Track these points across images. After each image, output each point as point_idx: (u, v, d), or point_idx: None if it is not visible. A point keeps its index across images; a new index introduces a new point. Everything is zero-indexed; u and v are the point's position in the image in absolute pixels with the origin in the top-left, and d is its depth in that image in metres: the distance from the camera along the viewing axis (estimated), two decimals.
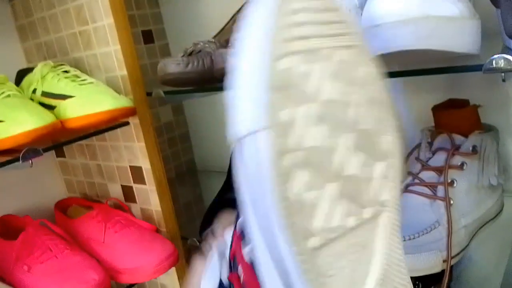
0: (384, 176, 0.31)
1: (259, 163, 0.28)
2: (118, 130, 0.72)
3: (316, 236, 0.28)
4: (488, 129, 0.62)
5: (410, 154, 0.66)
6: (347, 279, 0.28)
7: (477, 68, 0.41)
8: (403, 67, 0.48)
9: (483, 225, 0.61)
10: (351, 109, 0.30)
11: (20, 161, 0.52)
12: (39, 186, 0.84)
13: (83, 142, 0.80)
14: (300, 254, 0.27)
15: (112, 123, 0.64)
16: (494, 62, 0.39)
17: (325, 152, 0.29)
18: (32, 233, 0.65)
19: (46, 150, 0.55)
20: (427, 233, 0.56)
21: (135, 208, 0.77)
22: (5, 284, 0.58)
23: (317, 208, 0.28)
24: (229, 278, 0.35)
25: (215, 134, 0.98)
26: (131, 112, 0.62)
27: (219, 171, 0.84)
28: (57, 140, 0.64)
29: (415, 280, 0.61)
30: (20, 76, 0.70)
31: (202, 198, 1.03)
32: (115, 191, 0.79)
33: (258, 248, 0.30)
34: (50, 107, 0.62)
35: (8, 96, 0.60)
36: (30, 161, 0.53)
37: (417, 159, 0.63)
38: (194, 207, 0.97)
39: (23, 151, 0.52)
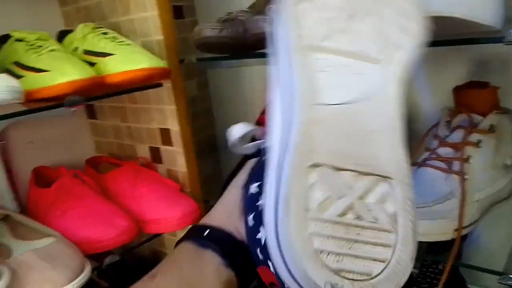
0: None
1: None
2: (150, 92, 0.75)
3: None
4: (506, 111, 0.64)
5: (429, 131, 0.68)
6: None
7: (498, 40, 0.43)
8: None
9: (496, 203, 0.64)
10: None
11: (64, 107, 0.55)
12: (70, 145, 0.88)
13: (115, 104, 0.84)
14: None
15: (147, 83, 0.67)
16: None
17: None
18: (66, 182, 0.69)
19: (87, 100, 0.59)
20: (440, 203, 0.58)
21: (161, 168, 0.80)
22: (42, 224, 0.62)
23: None
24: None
25: (238, 110, 1.01)
26: (166, 73, 0.66)
27: None
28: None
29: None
30: (61, 36, 0.74)
31: (221, 174, 1.06)
32: (143, 152, 0.83)
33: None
34: (91, 64, 0.65)
35: (53, 50, 0.63)
36: (72, 109, 0.57)
37: (435, 136, 0.65)
38: (214, 181, 1.00)
39: (67, 98, 0.56)
